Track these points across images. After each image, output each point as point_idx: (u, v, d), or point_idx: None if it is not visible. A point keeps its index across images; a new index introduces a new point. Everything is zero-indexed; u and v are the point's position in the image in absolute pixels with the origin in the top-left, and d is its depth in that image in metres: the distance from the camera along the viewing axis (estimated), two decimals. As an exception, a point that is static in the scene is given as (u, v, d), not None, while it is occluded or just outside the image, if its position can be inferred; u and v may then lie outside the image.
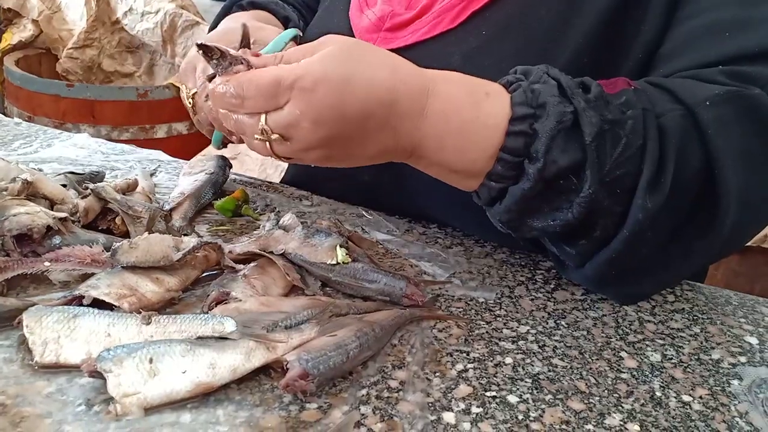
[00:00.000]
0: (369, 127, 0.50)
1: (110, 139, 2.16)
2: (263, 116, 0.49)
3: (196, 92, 0.71)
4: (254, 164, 1.69)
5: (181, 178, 0.76)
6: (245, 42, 0.66)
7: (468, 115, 0.52)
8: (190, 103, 0.71)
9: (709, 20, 0.57)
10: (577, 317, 0.58)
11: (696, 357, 0.54)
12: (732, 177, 0.51)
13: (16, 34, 2.59)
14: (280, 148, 0.51)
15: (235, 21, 0.77)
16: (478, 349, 0.52)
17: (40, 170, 0.71)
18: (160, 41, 2.44)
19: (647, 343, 0.55)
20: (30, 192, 0.60)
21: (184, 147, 2.28)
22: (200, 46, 0.50)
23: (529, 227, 0.54)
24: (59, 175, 0.69)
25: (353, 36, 0.73)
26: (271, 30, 0.72)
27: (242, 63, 0.50)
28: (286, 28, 0.85)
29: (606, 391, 0.48)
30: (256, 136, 0.50)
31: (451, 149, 0.52)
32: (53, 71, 2.53)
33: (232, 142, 0.75)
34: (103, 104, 2.14)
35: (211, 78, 0.53)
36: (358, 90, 0.49)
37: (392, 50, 0.70)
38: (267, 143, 0.51)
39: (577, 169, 0.50)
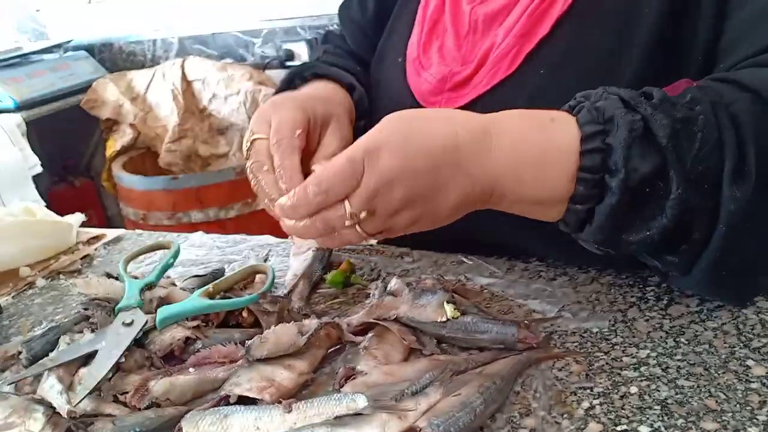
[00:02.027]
0: (442, 176, 0.53)
1: (218, 219, 2.33)
2: (346, 202, 0.53)
3: (258, 138, 0.67)
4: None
5: (291, 259, 0.82)
6: None
7: (537, 142, 0.53)
8: (247, 145, 0.69)
9: (758, 6, 0.57)
10: (696, 331, 0.58)
11: (829, 352, 0.52)
12: None
13: (118, 140, 2.82)
14: (369, 225, 0.54)
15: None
16: (600, 383, 0.53)
17: (168, 277, 0.79)
18: (246, 118, 2.58)
19: (774, 346, 0.54)
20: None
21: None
22: None
23: (626, 242, 0.53)
24: (186, 279, 0.77)
25: (416, 100, 0.77)
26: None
27: None
28: (351, 96, 0.85)
29: (738, 405, 0.48)
30: (346, 222, 0.54)
31: (529, 180, 0.53)
32: (156, 167, 2.73)
33: None
34: (207, 189, 2.30)
35: None
36: (419, 143, 0.53)
37: (458, 108, 0.73)
38: (357, 226, 0.54)
39: (660, 173, 0.50)
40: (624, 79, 0.63)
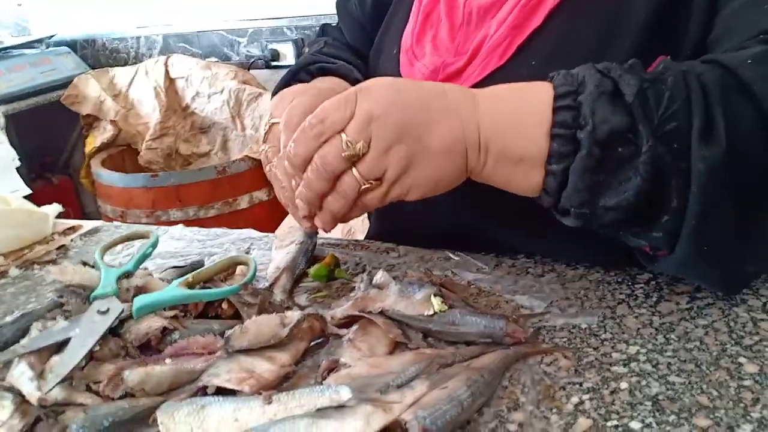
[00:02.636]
0: (432, 112, 0.55)
1: (198, 218, 2.30)
2: (342, 134, 0.55)
3: (276, 122, 0.68)
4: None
5: (274, 252, 0.80)
6: None
7: (515, 98, 0.56)
8: (265, 129, 0.70)
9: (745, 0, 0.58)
10: (687, 328, 0.57)
11: (821, 351, 0.52)
12: None
13: (98, 137, 2.78)
14: (365, 165, 0.55)
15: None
16: (590, 378, 0.51)
17: (146, 269, 0.77)
18: (229, 117, 2.56)
19: (765, 343, 0.53)
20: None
21: (267, 214, 2.37)
22: None
23: (604, 209, 0.53)
24: (164, 271, 0.74)
25: None
26: None
27: None
28: None
29: (730, 402, 0.47)
30: (343, 154, 0.54)
31: (509, 131, 0.55)
32: (136, 164, 2.70)
33: None
34: (187, 187, 2.27)
35: None
36: (408, 84, 0.57)
37: None
38: (353, 169, 0.55)
39: (629, 129, 0.50)
40: None
